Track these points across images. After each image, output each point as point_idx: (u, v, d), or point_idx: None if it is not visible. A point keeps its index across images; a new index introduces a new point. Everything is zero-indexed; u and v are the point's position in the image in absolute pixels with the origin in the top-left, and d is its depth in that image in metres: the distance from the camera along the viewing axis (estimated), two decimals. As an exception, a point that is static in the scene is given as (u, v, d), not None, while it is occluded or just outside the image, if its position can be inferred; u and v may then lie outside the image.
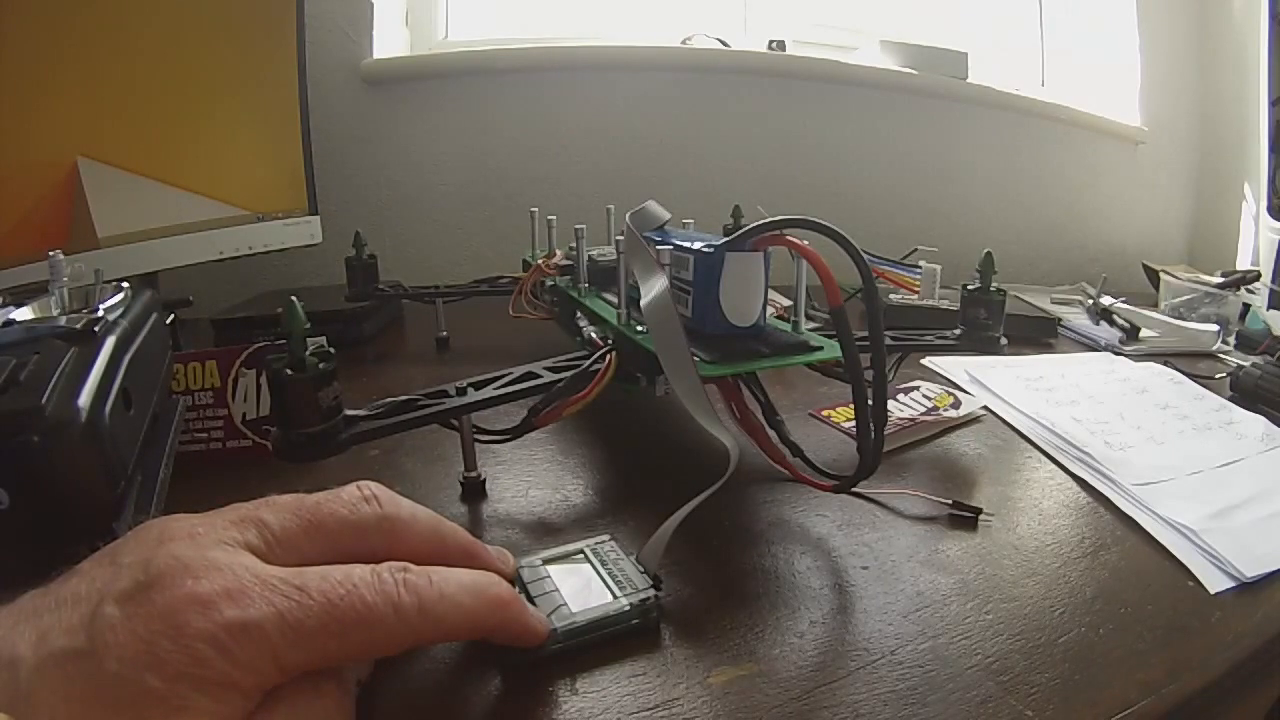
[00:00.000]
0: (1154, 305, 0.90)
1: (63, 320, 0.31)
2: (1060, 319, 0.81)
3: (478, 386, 0.37)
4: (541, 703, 0.24)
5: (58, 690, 0.17)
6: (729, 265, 0.37)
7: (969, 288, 0.47)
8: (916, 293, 0.52)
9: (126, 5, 0.65)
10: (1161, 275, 0.95)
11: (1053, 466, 0.45)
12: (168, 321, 0.41)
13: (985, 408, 0.53)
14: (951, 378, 0.60)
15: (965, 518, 0.37)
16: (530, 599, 0.26)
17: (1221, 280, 0.91)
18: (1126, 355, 0.70)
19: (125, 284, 0.38)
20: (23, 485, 0.24)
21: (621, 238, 0.42)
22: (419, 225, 1.01)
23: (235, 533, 0.21)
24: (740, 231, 0.36)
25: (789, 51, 1.08)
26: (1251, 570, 0.33)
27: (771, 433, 0.40)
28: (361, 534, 0.23)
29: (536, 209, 0.64)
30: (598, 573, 0.28)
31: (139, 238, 0.67)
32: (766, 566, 0.32)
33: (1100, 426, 0.49)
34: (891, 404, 0.49)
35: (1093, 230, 1.25)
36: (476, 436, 0.38)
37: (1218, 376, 0.63)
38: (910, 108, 1.11)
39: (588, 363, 0.38)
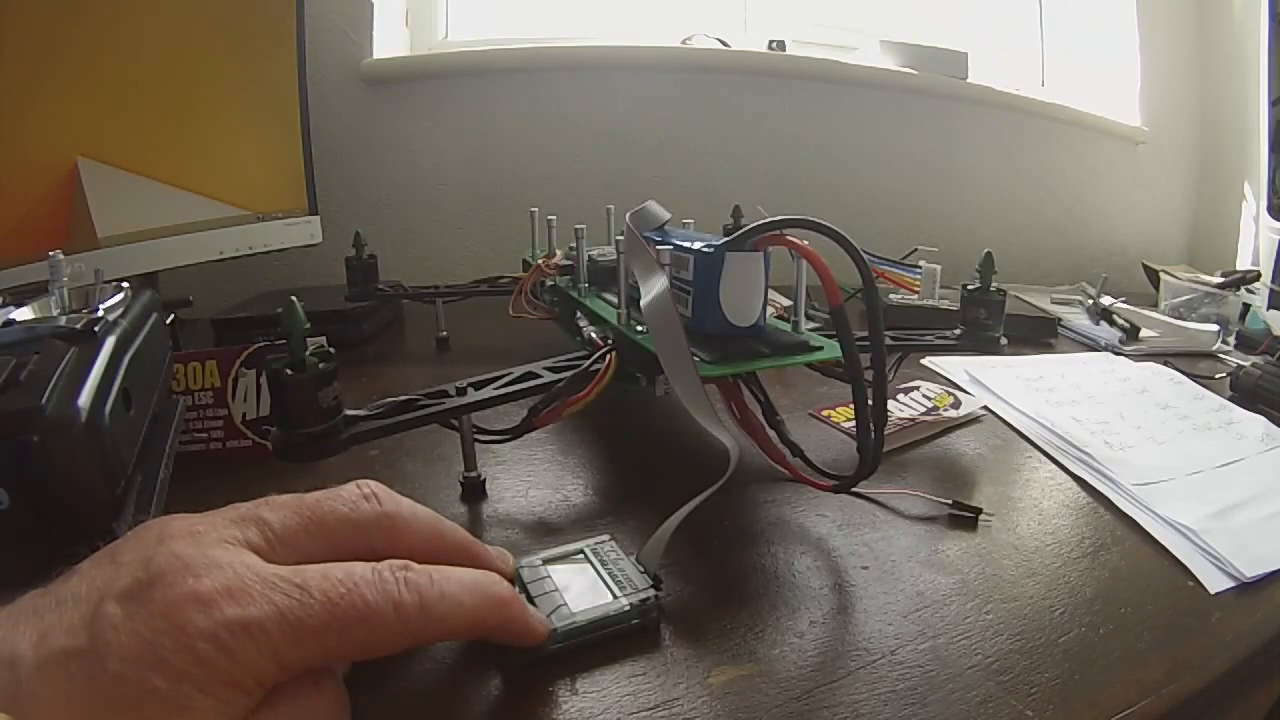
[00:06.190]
0: (1154, 305, 0.90)
1: (63, 320, 0.31)
2: (1060, 319, 0.81)
3: (478, 386, 0.37)
4: (541, 703, 0.24)
5: (59, 690, 0.17)
6: (729, 265, 0.37)
7: (969, 288, 0.47)
8: (916, 293, 0.52)
9: (126, 5, 0.65)
10: (1161, 275, 0.95)
11: (1053, 466, 0.45)
12: (168, 321, 0.41)
13: (985, 408, 0.53)
14: (951, 378, 0.60)
15: (965, 518, 0.37)
16: (530, 599, 0.26)
17: (1221, 280, 0.91)
18: (1126, 355, 0.70)
19: (125, 284, 0.38)
20: (23, 485, 0.24)
21: (621, 238, 0.42)
22: (419, 225, 1.01)
23: (236, 531, 0.21)
24: (740, 231, 0.36)
25: (789, 51, 1.08)
26: (1251, 570, 0.33)
27: (771, 433, 0.40)
28: (362, 531, 0.23)
29: (536, 209, 0.64)
30: (598, 573, 0.28)
31: (139, 238, 0.67)
32: (766, 566, 0.32)
33: (1100, 426, 0.49)
34: (891, 404, 0.49)
35: (1093, 230, 1.25)
36: (476, 436, 0.38)
37: (1218, 376, 0.63)
38: (910, 108, 1.11)
39: (588, 363, 0.38)
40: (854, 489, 0.36)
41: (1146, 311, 0.83)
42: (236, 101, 0.75)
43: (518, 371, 0.38)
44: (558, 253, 0.57)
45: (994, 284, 0.46)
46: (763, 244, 0.37)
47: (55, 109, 0.61)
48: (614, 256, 0.42)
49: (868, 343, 0.32)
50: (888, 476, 0.40)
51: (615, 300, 0.44)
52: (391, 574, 0.21)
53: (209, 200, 0.73)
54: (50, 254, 0.37)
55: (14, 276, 0.55)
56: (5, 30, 0.56)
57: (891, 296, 0.76)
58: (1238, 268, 1.07)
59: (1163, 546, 0.35)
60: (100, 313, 0.32)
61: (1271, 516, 0.38)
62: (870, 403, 0.32)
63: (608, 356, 0.38)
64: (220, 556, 0.19)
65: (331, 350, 0.31)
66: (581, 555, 0.30)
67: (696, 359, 0.34)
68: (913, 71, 1.09)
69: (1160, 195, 1.29)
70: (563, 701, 0.24)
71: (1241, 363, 0.65)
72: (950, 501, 0.37)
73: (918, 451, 0.46)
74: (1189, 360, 0.69)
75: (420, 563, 0.22)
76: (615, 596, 0.27)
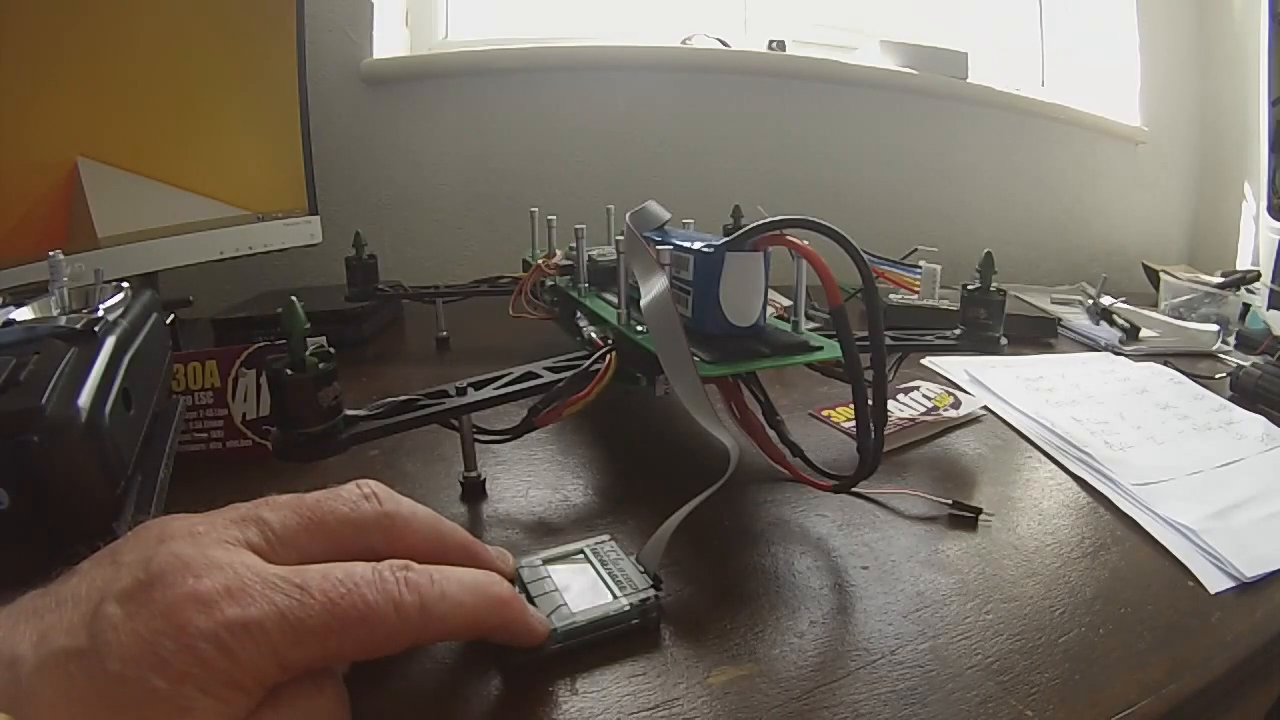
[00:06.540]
0: (1154, 305, 0.90)
1: (63, 320, 0.31)
2: (1060, 319, 0.81)
3: (478, 386, 0.37)
4: (541, 703, 0.24)
5: (59, 690, 0.17)
6: (729, 265, 0.37)
7: (969, 288, 0.47)
8: (916, 293, 0.52)
9: (126, 5, 0.65)
10: (1161, 275, 0.95)
11: (1053, 466, 0.45)
12: (168, 321, 0.41)
13: (985, 408, 0.53)
14: (951, 378, 0.60)
15: (965, 518, 0.37)
16: (530, 599, 0.26)
17: (1221, 280, 0.91)
18: (1126, 355, 0.70)
19: (125, 284, 0.38)
20: (23, 485, 0.24)
21: (621, 238, 0.42)
22: (419, 225, 1.01)
23: (236, 531, 0.21)
24: (740, 231, 0.36)
25: (789, 51, 1.08)
26: (1251, 570, 0.33)
27: (771, 433, 0.40)
28: (362, 531, 0.23)
29: (536, 209, 0.64)
30: (598, 573, 0.28)
31: (139, 238, 0.67)
32: (766, 566, 0.32)
33: (1100, 426, 0.49)
34: (891, 404, 0.49)
35: (1093, 230, 1.25)
36: (476, 436, 0.38)
37: (1218, 376, 0.63)
38: (910, 108, 1.11)
39: (588, 363, 0.38)
40: (854, 489, 0.36)
41: (1146, 311, 0.83)
42: (236, 101, 0.75)
43: (518, 371, 0.38)
44: (558, 253, 0.57)
45: (994, 284, 0.46)
46: (763, 244, 0.37)
47: (55, 109, 0.61)
48: (614, 256, 0.42)
49: (868, 343, 0.32)
50: (888, 476, 0.40)
51: (615, 300, 0.44)
52: (392, 574, 0.21)
53: (209, 200, 0.73)
54: (50, 254, 0.37)
55: (14, 276, 0.55)
56: (5, 30, 0.56)
57: (891, 296, 0.76)
58: (1238, 268, 1.07)
59: (1163, 546, 0.35)
60: (100, 313, 0.32)
61: (1271, 516, 0.38)
62: (870, 403, 0.32)
63: (608, 356, 0.38)
64: (220, 557, 0.19)
65: (331, 350, 0.31)
66: (581, 555, 0.30)
67: (696, 359, 0.34)
68: (913, 71, 1.09)
69: (1160, 195, 1.29)
70: (563, 701, 0.24)
71: (1241, 363, 0.65)
72: (950, 501, 0.37)
73: (918, 451, 0.46)
74: (1189, 360, 0.69)
75: (420, 563, 0.22)
76: (615, 596, 0.27)
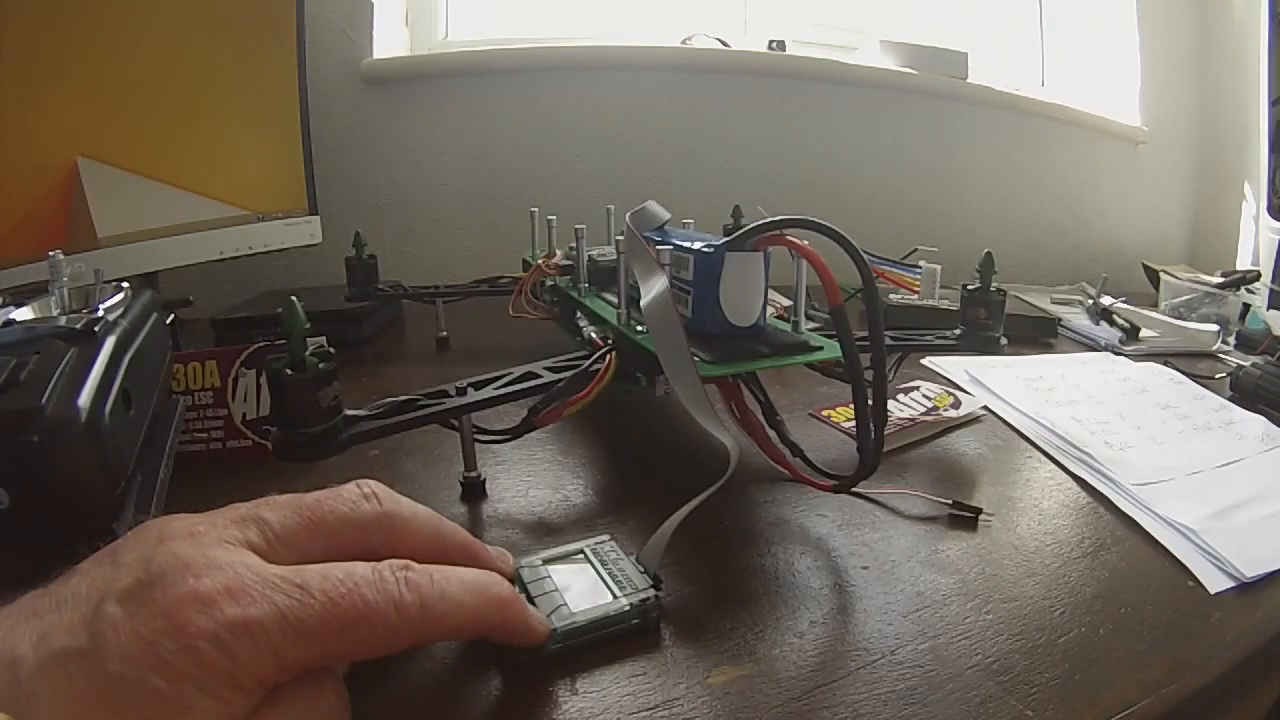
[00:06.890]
0: (1154, 305, 0.90)
1: (63, 320, 0.31)
2: (1060, 319, 0.81)
3: (478, 386, 0.37)
4: (541, 703, 0.24)
5: (59, 690, 0.17)
6: (729, 265, 0.37)
7: (969, 288, 0.47)
8: (916, 293, 0.52)
9: (126, 5, 0.65)
10: (1161, 275, 0.95)
11: (1053, 466, 0.45)
12: (168, 321, 0.41)
13: (985, 408, 0.53)
14: (951, 378, 0.60)
15: (965, 518, 0.37)
16: (530, 599, 0.26)
17: (1221, 280, 0.91)
18: (1126, 355, 0.70)
19: (125, 284, 0.38)
20: (23, 485, 0.24)
21: (621, 238, 0.42)
22: (419, 225, 1.01)
23: (236, 531, 0.21)
24: (740, 231, 0.36)
25: (789, 51, 1.08)
26: (1251, 570, 0.33)
27: (771, 433, 0.40)
28: (362, 531, 0.23)
29: (536, 209, 0.64)
30: (598, 573, 0.28)
31: (139, 238, 0.67)
32: (766, 566, 0.32)
33: (1100, 426, 0.49)
34: (891, 404, 0.49)
35: (1093, 230, 1.25)
36: (476, 436, 0.38)
37: (1218, 376, 0.63)
38: (910, 108, 1.11)
39: (588, 363, 0.38)
40: (854, 489, 0.36)
41: (1146, 311, 0.83)
42: (236, 101, 0.75)
43: (518, 371, 0.38)
44: (558, 253, 0.57)
45: (994, 284, 0.46)
46: (763, 244, 0.37)
47: (55, 109, 0.61)
48: (614, 256, 0.42)
49: (868, 343, 0.32)
50: (888, 476, 0.40)
51: (615, 300, 0.44)
52: (392, 574, 0.21)
53: (209, 200, 0.73)
54: (50, 254, 0.37)
55: (14, 276, 0.55)
56: (5, 30, 0.56)
57: (891, 296, 0.76)
58: (1238, 268, 1.07)
59: (1163, 546, 0.35)
60: (100, 313, 0.32)
61: (1271, 516, 0.38)
62: (870, 403, 0.32)
63: (608, 356, 0.38)
64: (220, 557, 0.19)
65: (331, 350, 0.31)
66: (581, 555, 0.30)
67: (696, 359, 0.34)
68: (913, 71, 1.09)
69: (1160, 195, 1.29)
70: (563, 701, 0.24)
71: (1241, 363, 0.65)
72: (950, 501, 0.37)
73: (918, 451, 0.46)
74: (1189, 360, 0.69)
75: (421, 563, 0.22)
76: (615, 596, 0.27)
